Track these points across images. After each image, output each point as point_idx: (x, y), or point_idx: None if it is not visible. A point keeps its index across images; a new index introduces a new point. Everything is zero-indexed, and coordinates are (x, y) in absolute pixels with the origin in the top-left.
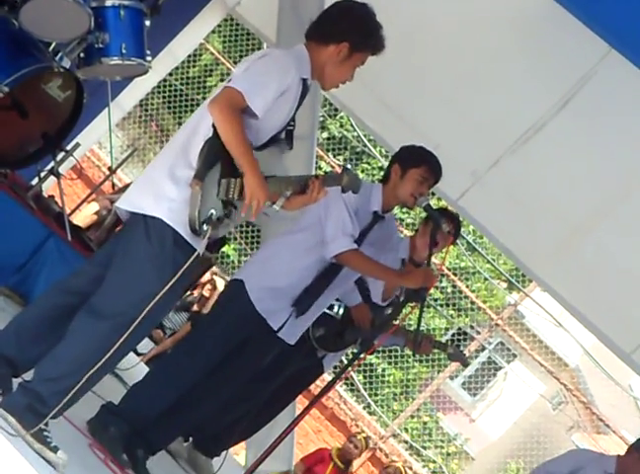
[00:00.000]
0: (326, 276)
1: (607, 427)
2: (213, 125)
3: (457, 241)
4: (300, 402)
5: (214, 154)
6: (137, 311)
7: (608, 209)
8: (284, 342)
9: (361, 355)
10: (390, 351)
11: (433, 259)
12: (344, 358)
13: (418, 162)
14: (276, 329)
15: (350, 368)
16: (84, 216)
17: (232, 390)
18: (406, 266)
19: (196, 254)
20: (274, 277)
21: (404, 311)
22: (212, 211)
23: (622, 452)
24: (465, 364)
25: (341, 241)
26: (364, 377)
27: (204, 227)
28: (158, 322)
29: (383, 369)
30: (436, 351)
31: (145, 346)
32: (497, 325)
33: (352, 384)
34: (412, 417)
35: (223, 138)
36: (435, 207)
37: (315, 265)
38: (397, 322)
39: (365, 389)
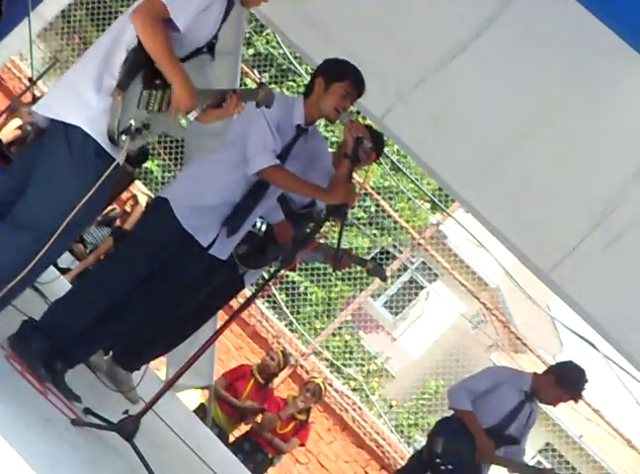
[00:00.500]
0: (255, 194)
1: (525, 346)
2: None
3: (381, 160)
4: (221, 318)
5: (138, 65)
6: (58, 222)
7: (529, 131)
8: (215, 257)
9: (281, 272)
10: (312, 269)
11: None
12: (265, 275)
13: (342, 76)
14: (205, 246)
15: (270, 284)
16: (7, 131)
17: (155, 305)
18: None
19: (115, 164)
20: (199, 195)
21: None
22: (132, 122)
23: (539, 371)
24: (384, 280)
25: (262, 157)
26: (287, 295)
27: (123, 138)
28: (78, 234)
29: (306, 288)
30: (358, 269)
31: (66, 261)
32: (419, 244)
33: (274, 302)
34: (334, 335)
35: (147, 48)
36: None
37: (241, 181)
38: (318, 238)
39: (287, 307)
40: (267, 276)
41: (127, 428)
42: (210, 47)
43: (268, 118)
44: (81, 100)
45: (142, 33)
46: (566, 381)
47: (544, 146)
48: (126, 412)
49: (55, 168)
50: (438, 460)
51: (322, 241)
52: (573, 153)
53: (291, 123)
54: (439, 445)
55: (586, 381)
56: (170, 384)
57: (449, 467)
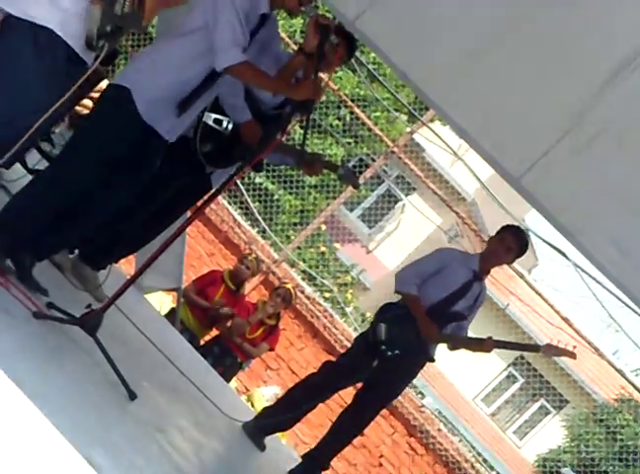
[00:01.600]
0: (212, 78)
1: None
2: None
3: (357, 69)
4: (194, 225)
5: None
6: (26, 123)
7: (500, 36)
8: (178, 152)
9: (245, 166)
10: (286, 176)
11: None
12: (241, 186)
13: None
14: (164, 134)
15: (237, 183)
16: None
17: (120, 201)
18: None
19: (87, 69)
20: (162, 88)
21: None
22: (108, 27)
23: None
24: (356, 187)
25: (231, 53)
26: (260, 203)
27: (101, 43)
28: (43, 134)
29: (279, 195)
30: (332, 177)
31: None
32: (393, 152)
33: (247, 208)
34: (309, 247)
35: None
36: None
37: (204, 71)
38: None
39: (260, 214)
40: (242, 185)
41: (90, 322)
42: None
43: (238, 9)
44: (53, 1)
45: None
46: (507, 238)
47: (515, 52)
48: (89, 306)
49: (20, 71)
50: (383, 347)
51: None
52: (545, 58)
53: (257, 13)
54: (382, 331)
55: (527, 236)
56: (133, 279)
57: (396, 352)
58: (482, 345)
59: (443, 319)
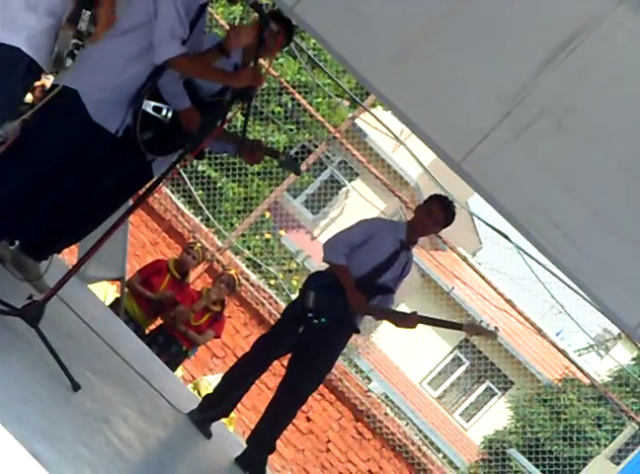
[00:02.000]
0: (158, 72)
1: (445, 244)
2: None
3: (298, 55)
4: (137, 214)
5: None
6: None
7: (440, 19)
8: (120, 144)
9: (186, 154)
10: (229, 164)
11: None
12: (184, 174)
13: None
14: (113, 131)
15: (179, 171)
16: None
17: (61, 194)
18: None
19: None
20: (109, 88)
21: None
22: (73, 41)
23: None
24: (298, 173)
25: (170, 45)
26: (203, 191)
27: (69, 61)
28: None
29: (222, 183)
30: (275, 164)
31: None
32: (335, 138)
33: (190, 197)
34: (254, 234)
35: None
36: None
37: (149, 67)
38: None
39: (204, 202)
40: (184, 173)
41: (32, 313)
42: None
43: (177, 3)
44: (17, 21)
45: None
46: (434, 209)
47: (454, 36)
48: (30, 297)
49: None
50: (310, 314)
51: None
52: (485, 41)
53: (197, 3)
54: (310, 299)
55: (454, 206)
56: (75, 269)
57: (322, 320)
58: (406, 319)
59: (371, 291)
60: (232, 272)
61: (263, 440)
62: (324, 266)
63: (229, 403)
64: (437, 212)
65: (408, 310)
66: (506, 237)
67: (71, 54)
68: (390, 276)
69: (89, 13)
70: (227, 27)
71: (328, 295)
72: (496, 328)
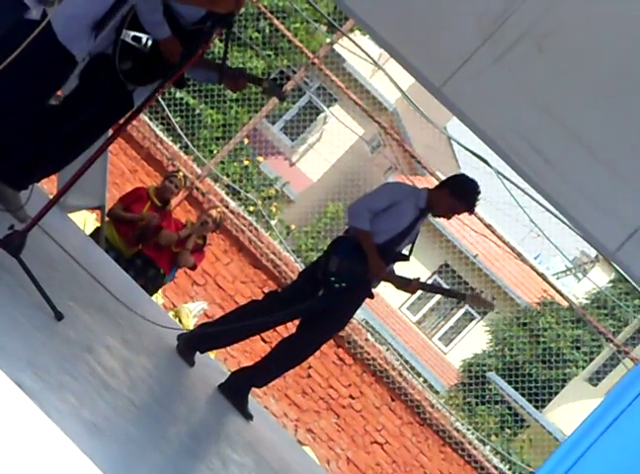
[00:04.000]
0: None
1: (424, 168)
2: None
3: None
4: (116, 142)
5: None
6: None
7: None
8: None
9: (165, 82)
10: (207, 91)
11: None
12: (162, 101)
13: None
14: (76, 54)
15: (158, 99)
16: None
17: (34, 119)
18: None
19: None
20: (77, 6)
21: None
22: None
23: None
24: (282, 99)
25: None
26: (182, 118)
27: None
28: None
29: (200, 110)
30: (253, 91)
31: None
32: (313, 64)
33: (168, 124)
34: (233, 161)
35: None
36: None
37: None
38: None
39: (182, 129)
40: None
41: (13, 243)
42: None
43: None
44: None
45: None
46: (460, 192)
47: None
48: (12, 227)
49: None
50: (332, 278)
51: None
52: None
53: None
54: (334, 264)
55: (478, 192)
56: (56, 199)
57: (343, 285)
58: (408, 285)
59: (389, 258)
60: (219, 209)
61: (253, 378)
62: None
63: (224, 340)
64: (458, 209)
65: None
66: (485, 162)
67: None
68: (406, 243)
69: None
70: None
71: (351, 260)
72: (494, 298)
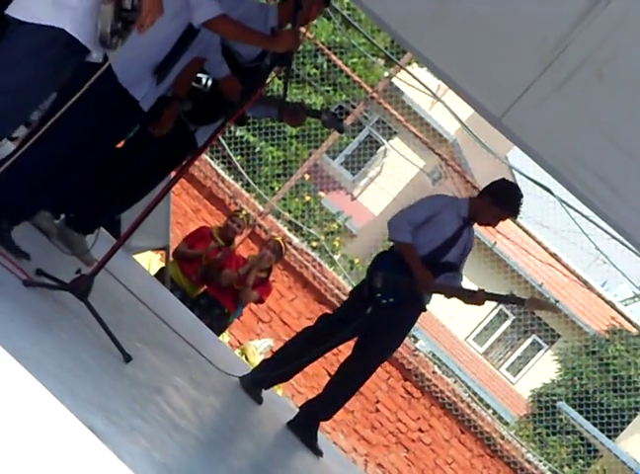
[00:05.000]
0: (184, 41)
1: None
2: None
3: (332, 15)
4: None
5: None
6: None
7: None
8: (144, 111)
9: (227, 122)
10: (267, 128)
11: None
12: (222, 140)
13: None
14: (139, 99)
15: (220, 139)
16: None
17: (99, 162)
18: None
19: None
20: (137, 47)
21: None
22: (119, 23)
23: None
24: (341, 131)
25: (208, 7)
26: (242, 156)
27: (114, 40)
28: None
29: (261, 147)
30: (313, 126)
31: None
32: (372, 98)
33: (229, 162)
34: (294, 197)
35: None
36: None
37: (178, 31)
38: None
39: (243, 167)
40: (224, 142)
41: (81, 286)
42: None
43: None
44: (60, 1)
45: None
46: (501, 200)
47: None
48: (79, 271)
49: (30, 71)
50: (378, 295)
51: (266, 89)
52: None
53: None
54: (378, 280)
55: (521, 196)
56: (122, 241)
57: (390, 300)
58: (474, 297)
59: (436, 269)
60: (278, 238)
61: (318, 411)
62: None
63: (285, 373)
64: (499, 214)
65: None
66: (548, 190)
67: (116, 33)
68: (455, 254)
69: None
70: None
71: (396, 275)
72: (557, 300)
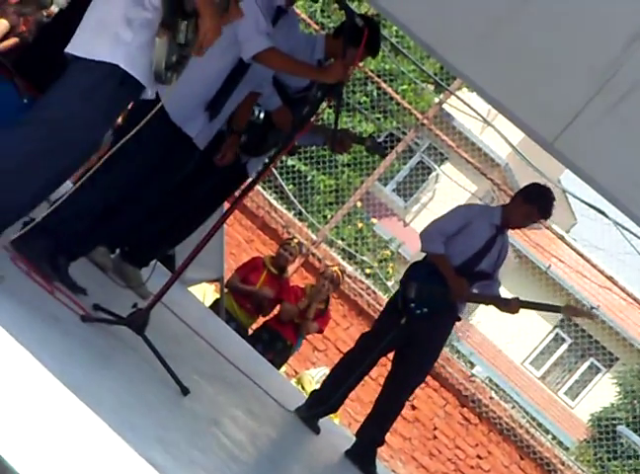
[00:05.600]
0: (235, 76)
1: (539, 222)
2: None
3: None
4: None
5: None
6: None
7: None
8: (198, 148)
9: (281, 155)
10: (318, 157)
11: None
12: (274, 170)
13: None
14: (193, 136)
15: (272, 169)
16: None
17: (154, 199)
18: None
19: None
20: (188, 84)
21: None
22: (174, 57)
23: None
24: (383, 156)
25: (257, 40)
26: (294, 185)
27: (169, 74)
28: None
29: (312, 176)
30: (364, 154)
31: None
32: (423, 125)
33: (281, 192)
34: (347, 225)
35: None
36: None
37: (228, 66)
38: (316, 122)
39: (295, 197)
40: (276, 173)
41: (137, 320)
42: None
43: (257, 1)
44: (114, 37)
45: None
46: (532, 196)
47: (541, 11)
48: (135, 305)
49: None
50: (412, 305)
51: (317, 119)
52: (572, 16)
53: (273, 5)
54: (412, 290)
55: (553, 198)
56: (178, 274)
57: (425, 310)
58: (508, 305)
59: (470, 278)
60: (335, 268)
61: (372, 434)
62: (418, 253)
63: (337, 398)
64: (532, 216)
65: (506, 292)
66: (602, 213)
67: (171, 68)
68: (488, 263)
69: (185, 23)
70: (308, 20)
71: (429, 285)
72: (595, 307)
